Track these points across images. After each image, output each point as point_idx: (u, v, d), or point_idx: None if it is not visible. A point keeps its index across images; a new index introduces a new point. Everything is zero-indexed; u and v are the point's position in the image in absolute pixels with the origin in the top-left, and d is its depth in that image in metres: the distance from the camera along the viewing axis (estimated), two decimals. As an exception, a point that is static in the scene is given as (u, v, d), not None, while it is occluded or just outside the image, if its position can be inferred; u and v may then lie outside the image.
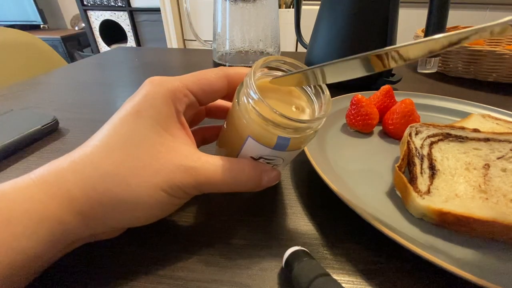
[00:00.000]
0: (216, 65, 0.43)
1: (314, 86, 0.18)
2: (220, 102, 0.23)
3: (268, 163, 0.18)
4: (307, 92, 0.18)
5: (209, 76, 0.19)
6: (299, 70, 0.17)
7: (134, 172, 0.15)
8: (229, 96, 0.20)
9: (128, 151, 0.15)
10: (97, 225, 0.15)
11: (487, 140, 0.23)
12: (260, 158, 0.18)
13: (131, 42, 2.00)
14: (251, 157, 0.18)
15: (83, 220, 0.15)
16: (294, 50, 1.65)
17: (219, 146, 0.22)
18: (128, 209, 0.15)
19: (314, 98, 0.18)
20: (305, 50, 0.51)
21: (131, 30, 1.96)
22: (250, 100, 0.15)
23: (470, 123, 0.28)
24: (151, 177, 0.15)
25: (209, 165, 0.16)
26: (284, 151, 0.17)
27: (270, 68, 0.18)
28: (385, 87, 0.33)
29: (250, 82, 0.15)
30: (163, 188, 0.15)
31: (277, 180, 0.19)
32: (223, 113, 0.23)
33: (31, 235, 0.13)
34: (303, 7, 0.58)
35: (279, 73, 0.18)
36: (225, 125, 0.20)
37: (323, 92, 0.17)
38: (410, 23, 1.00)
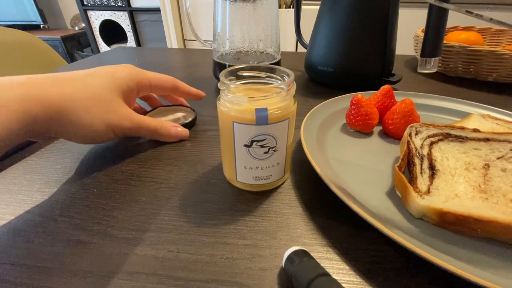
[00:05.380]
0: (216, 64, 0.43)
1: (283, 77, 0.21)
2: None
3: (262, 146, 0.20)
4: (276, 87, 0.20)
5: (164, 79, 0.31)
6: None
7: (97, 106, 0.24)
8: (170, 97, 0.36)
9: (98, 93, 0.24)
10: (55, 131, 0.23)
11: (487, 140, 0.23)
12: (252, 142, 0.20)
13: (131, 42, 2.00)
14: (245, 145, 0.20)
15: (45, 119, 0.21)
16: (294, 50, 1.65)
17: (222, 150, 0.23)
18: (81, 128, 0.23)
19: (283, 86, 0.20)
20: (305, 50, 0.51)
21: (131, 30, 1.95)
22: (224, 88, 0.19)
23: (470, 123, 0.28)
24: (106, 114, 0.24)
25: (141, 118, 0.28)
26: (268, 125, 0.19)
27: (239, 78, 0.22)
28: (385, 87, 0.33)
29: (221, 77, 0.20)
30: (112, 124, 0.25)
31: (185, 135, 0.31)
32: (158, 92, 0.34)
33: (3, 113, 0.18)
34: (303, 7, 0.58)
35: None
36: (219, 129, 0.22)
37: (288, 76, 0.20)
38: (410, 23, 1.00)
